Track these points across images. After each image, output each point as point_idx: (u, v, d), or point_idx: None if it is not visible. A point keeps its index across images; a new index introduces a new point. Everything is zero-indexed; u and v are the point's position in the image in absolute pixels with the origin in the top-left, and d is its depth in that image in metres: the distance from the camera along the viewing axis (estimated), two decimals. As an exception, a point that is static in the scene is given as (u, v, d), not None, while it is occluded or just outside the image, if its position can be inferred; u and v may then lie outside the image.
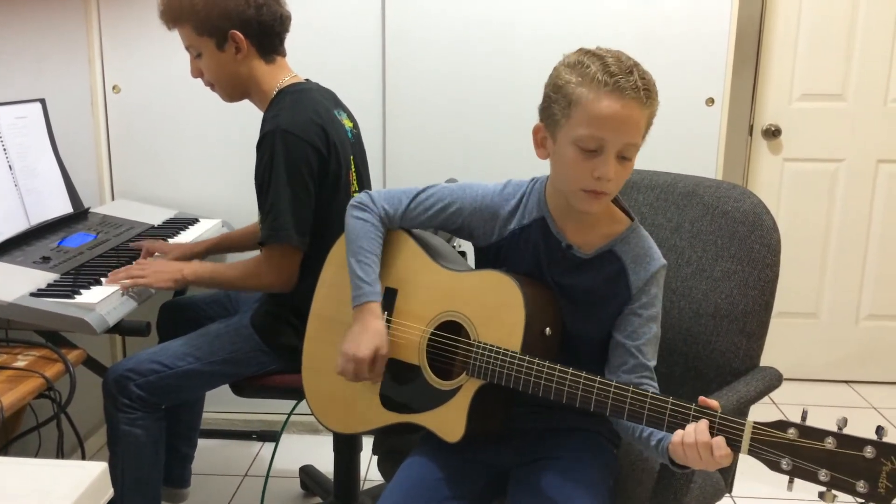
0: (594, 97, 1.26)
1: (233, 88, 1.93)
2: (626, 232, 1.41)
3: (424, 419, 1.45)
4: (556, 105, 1.31)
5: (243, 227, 2.27)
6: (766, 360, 1.62)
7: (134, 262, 1.95)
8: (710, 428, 1.14)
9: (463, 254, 1.72)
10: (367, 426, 1.56)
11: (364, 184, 2.04)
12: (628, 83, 1.24)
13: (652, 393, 1.22)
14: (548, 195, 1.43)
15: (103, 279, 1.83)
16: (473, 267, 1.53)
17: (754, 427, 1.11)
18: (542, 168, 1.49)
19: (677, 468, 1.24)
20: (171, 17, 1.87)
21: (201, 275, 1.91)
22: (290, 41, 1.96)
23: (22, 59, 2.55)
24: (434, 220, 1.52)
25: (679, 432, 1.17)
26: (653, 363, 1.39)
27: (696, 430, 1.15)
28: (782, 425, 1.09)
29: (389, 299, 1.53)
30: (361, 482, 2.30)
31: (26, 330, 1.70)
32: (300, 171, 1.80)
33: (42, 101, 2.34)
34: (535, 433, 1.48)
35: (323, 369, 1.63)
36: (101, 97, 2.60)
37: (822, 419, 1.08)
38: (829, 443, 1.06)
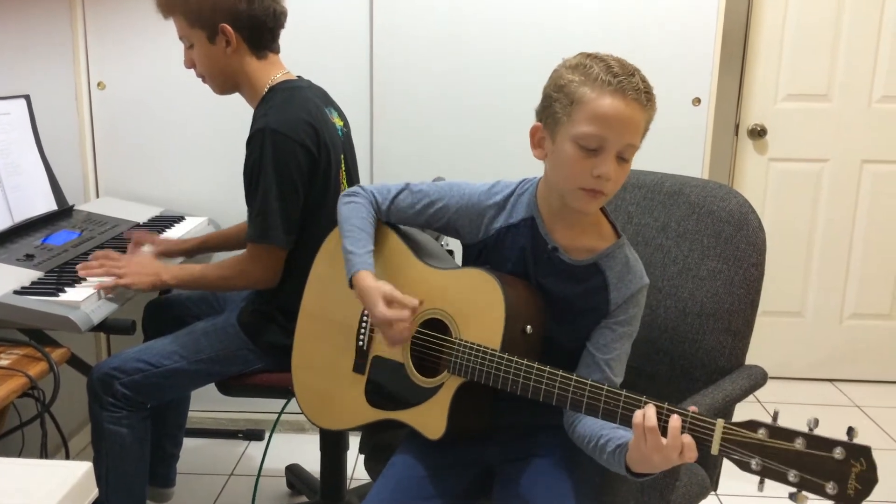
0: (597, 96, 1.27)
1: (223, 81, 1.92)
2: (612, 247, 1.41)
3: (407, 416, 1.46)
4: (557, 104, 1.31)
5: (231, 227, 2.26)
6: (750, 358, 1.62)
7: (111, 254, 1.90)
8: (682, 426, 1.14)
9: (451, 252, 1.72)
10: (352, 423, 1.56)
11: (354, 182, 2.03)
12: (630, 84, 1.26)
13: (626, 392, 1.22)
14: (539, 196, 1.43)
15: (87, 278, 1.81)
16: (460, 265, 1.53)
17: (725, 427, 1.11)
18: (530, 165, 1.49)
19: (633, 476, 1.23)
20: (165, 6, 1.86)
21: (182, 278, 1.89)
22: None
23: (6, 55, 2.53)
24: (420, 217, 1.52)
25: (638, 413, 1.16)
26: (619, 380, 1.40)
27: (645, 416, 1.15)
28: (753, 425, 1.09)
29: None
30: (348, 481, 2.30)
31: (9, 328, 1.68)
32: (289, 171, 1.79)
33: (26, 98, 2.32)
34: (520, 430, 1.49)
35: (312, 366, 1.63)
36: (85, 93, 2.59)
37: (805, 418, 1.08)
38: (799, 443, 1.05)
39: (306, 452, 2.55)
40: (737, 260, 1.58)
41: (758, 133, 3.21)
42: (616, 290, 1.39)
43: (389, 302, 1.40)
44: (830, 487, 1.02)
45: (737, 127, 3.24)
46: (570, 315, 1.41)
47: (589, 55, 1.32)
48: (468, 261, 1.51)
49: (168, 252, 2.11)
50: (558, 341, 1.43)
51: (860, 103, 3.18)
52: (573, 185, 1.32)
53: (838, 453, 1.02)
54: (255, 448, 2.75)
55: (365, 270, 1.46)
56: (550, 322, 1.43)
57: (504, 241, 1.45)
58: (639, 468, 1.20)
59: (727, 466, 1.60)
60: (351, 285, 1.47)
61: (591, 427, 1.32)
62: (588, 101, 1.27)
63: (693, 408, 1.15)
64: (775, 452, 1.06)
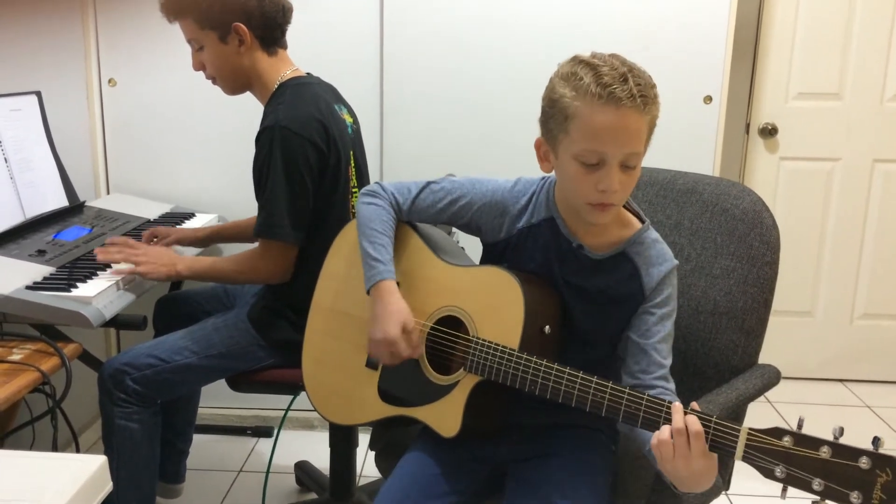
0: (589, 111, 1.23)
1: (235, 81, 1.92)
2: (637, 234, 1.40)
3: (421, 413, 1.45)
4: (552, 120, 1.30)
5: (246, 218, 2.26)
6: (760, 358, 1.62)
7: (129, 241, 1.93)
8: (705, 434, 1.13)
9: (462, 249, 1.72)
10: (364, 418, 1.56)
11: (363, 179, 2.03)
12: (623, 92, 1.22)
13: (648, 395, 1.21)
14: (557, 197, 1.42)
15: (99, 273, 1.82)
16: (476, 262, 1.53)
17: (749, 433, 1.10)
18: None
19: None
20: (173, 10, 1.86)
21: (197, 269, 1.91)
22: (289, 36, 1.95)
23: (18, 52, 2.54)
24: (443, 214, 1.51)
25: (655, 434, 1.16)
26: (668, 361, 1.37)
27: (673, 419, 1.14)
28: (777, 432, 1.08)
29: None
30: (357, 478, 2.30)
31: (21, 323, 1.69)
32: (297, 167, 1.80)
33: (38, 94, 2.32)
34: (533, 429, 1.48)
35: (323, 360, 1.63)
36: (96, 90, 2.59)
37: (816, 418, 1.07)
38: (825, 452, 1.04)
39: (316, 449, 2.55)
40: (750, 258, 1.58)
41: (769, 132, 3.20)
42: (648, 276, 1.38)
43: (404, 331, 1.41)
44: (855, 497, 1.01)
45: (748, 125, 3.23)
46: (607, 306, 1.40)
47: (580, 61, 1.27)
48: (489, 260, 1.50)
49: (182, 241, 2.12)
50: (598, 334, 1.42)
51: (872, 102, 3.17)
52: (580, 200, 1.31)
53: (864, 463, 1.01)
54: (265, 445, 2.75)
55: (390, 281, 1.45)
56: (590, 317, 1.41)
57: (526, 241, 1.44)
58: (673, 480, 1.19)
59: (739, 467, 1.59)
60: (368, 290, 1.47)
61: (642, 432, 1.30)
62: (581, 117, 1.24)
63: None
64: (800, 460, 1.05)
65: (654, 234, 1.42)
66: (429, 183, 1.52)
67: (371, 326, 1.45)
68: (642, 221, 1.42)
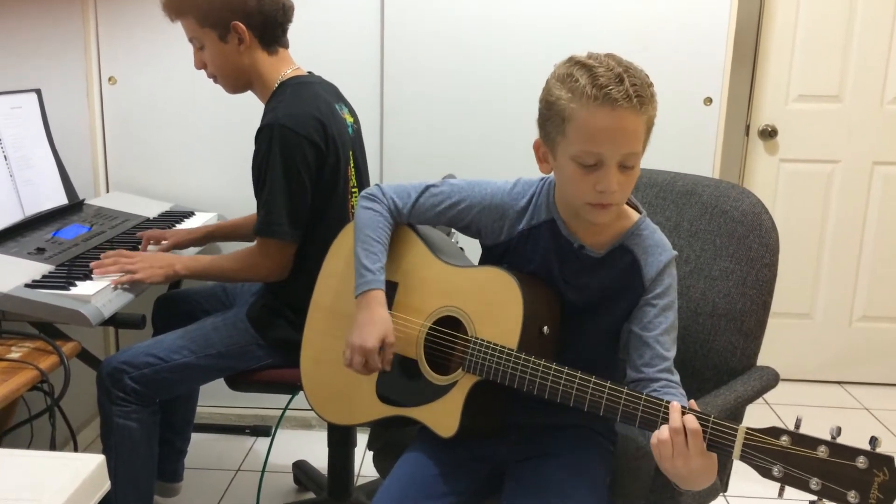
0: (586, 113, 1.24)
1: (236, 80, 1.92)
2: (635, 225, 1.40)
3: (419, 413, 1.45)
4: (550, 123, 1.30)
5: (241, 217, 2.26)
6: (759, 360, 1.62)
7: (123, 252, 1.91)
8: (703, 433, 1.13)
9: (461, 249, 1.72)
10: (362, 418, 1.56)
11: (363, 179, 2.03)
12: (619, 93, 1.22)
13: (646, 395, 1.22)
14: (557, 198, 1.43)
15: (94, 272, 1.82)
16: (475, 263, 1.53)
17: (747, 433, 1.10)
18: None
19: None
20: (174, 9, 1.86)
21: (194, 269, 1.91)
22: (289, 35, 1.96)
23: (18, 49, 2.54)
24: (442, 217, 1.51)
25: (655, 434, 1.16)
26: (671, 353, 1.37)
27: (670, 417, 1.14)
28: (775, 432, 1.08)
29: (389, 292, 1.52)
30: (355, 478, 2.30)
31: (20, 321, 1.69)
32: (295, 165, 1.80)
33: (38, 92, 2.32)
34: (532, 429, 1.48)
35: (322, 360, 1.63)
36: (96, 88, 2.59)
37: (814, 420, 1.07)
38: (822, 451, 1.04)
39: (314, 449, 2.55)
40: (749, 260, 1.58)
41: (769, 134, 3.20)
42: (647, 266, 1.38)
43: (384, 344, 1.43)
44: (852, 496, 1.02)
45: (748, 127, 3.23)
46: (609, 301, 1.40)
47: (576, 62, 1.28)
48: (489, 261, 1.50)
49: (179, 244, 2.11)
50: (602, 330, 1.42)
51: (872, 104, 3.17)
52: (580, 200, 1.32)
53: (861, 462, 1.02)
54: (263, 444, 2.75)
55: (379, 291, 1.46)
56: (594, 314, 1.41)
57: (527, 243, 1.45)
58: (673, 479, 1.19)
59: (737, 469, 1.59)
60: (356, 296, 1.47)
61: None
62: (577, 119, 1.25)
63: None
64: (798, 460, 1.06)
65: (651, 224, 1.42)
66: (428, 187, 1.52)
67: (351, 331, 1.46)
68: (640, 212, 1.43)
